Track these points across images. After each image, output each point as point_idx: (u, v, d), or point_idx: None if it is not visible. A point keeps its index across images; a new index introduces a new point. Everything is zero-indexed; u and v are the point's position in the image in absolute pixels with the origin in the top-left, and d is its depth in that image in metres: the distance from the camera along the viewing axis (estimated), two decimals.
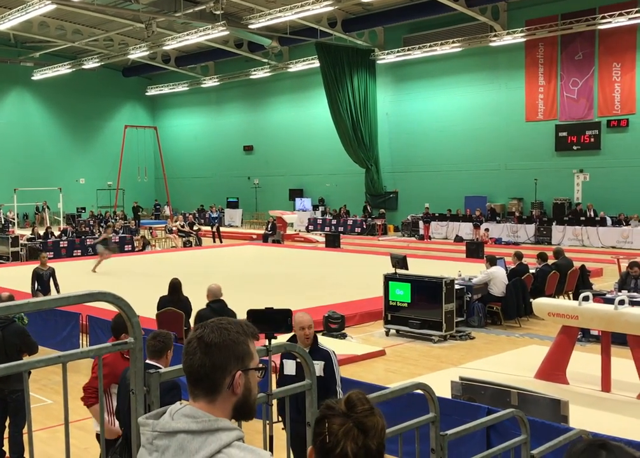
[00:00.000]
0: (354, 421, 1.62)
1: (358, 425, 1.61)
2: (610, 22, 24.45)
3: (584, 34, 25.97)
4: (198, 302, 9.73)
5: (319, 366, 4.88)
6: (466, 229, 27.24)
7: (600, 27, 25.06)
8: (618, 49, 25.41)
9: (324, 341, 10.53)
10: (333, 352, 5.27)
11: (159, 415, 1.77)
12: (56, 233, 25.26)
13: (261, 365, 1.84)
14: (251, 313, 3.13)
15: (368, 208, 32.26)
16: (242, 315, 3.22)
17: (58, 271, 14.02)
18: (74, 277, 17.20)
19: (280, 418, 4.58)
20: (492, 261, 12.35)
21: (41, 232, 24.49)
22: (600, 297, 10.36)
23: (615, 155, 25.84)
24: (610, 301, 9.21)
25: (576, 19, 25.57)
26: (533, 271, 12.98)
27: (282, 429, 3.99)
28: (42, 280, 12.90)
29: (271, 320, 3.12)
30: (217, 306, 7.42)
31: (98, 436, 4.89)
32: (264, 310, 3.16)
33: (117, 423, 4.83)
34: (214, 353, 1.72)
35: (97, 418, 5.06)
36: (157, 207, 41.09)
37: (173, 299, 8.95)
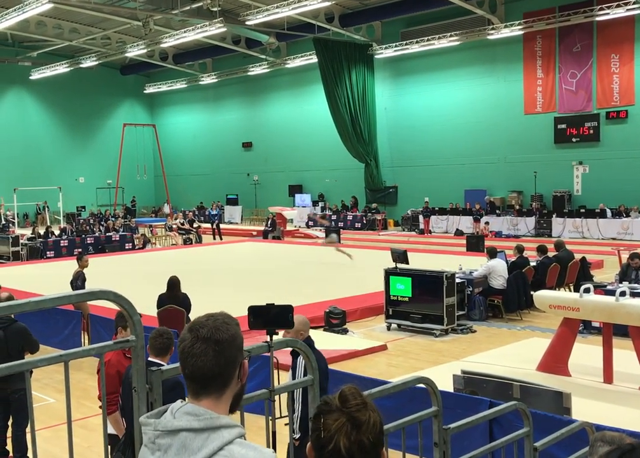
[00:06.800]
0: (347, 416, 1.60)
1: (351, 420, 1.59)
2: (608, 14, 24.38)
3: (582, 25, 25.91)
4: (198, 299, 9.75)
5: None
6: (466, 223, 27.24)
7: (598, 18, 25.00)
8: (616, 40, 25.36)
9: (326, 337, 10.57)
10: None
11: (160, 413, 1.78)
12: (57, 232, 25.25)
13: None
14: (252, 309, 3.12)
15: (350, 204, 32.50)
16: (242, 312, 3.22)
17: (60, 271, 14.02)
18: None
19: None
20: (492, 253, 12.35)
21: (41, 231, 24.49)
22: (601, 289, 10.36)
23: (614, 147, 25.81)
24: (611, 292, 9.21)
25: (573, 11, 25.51)
26: (534, 263, 12.98)
27: (285, 424, 4.00)
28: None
29: (273, 316, 3.12)
30: None
31: (111, 436, 4.90)
32: (266, 306, 3.15)
33: None
34: (225, 349, 1.75)
35: (115, 426, 5.06)
36: (133, 203, 40.74)
37: (172, 296, 8.93)
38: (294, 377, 4.90)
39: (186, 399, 1.82)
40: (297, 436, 4.71)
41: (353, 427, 1.58)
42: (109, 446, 4.70)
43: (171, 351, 4.74)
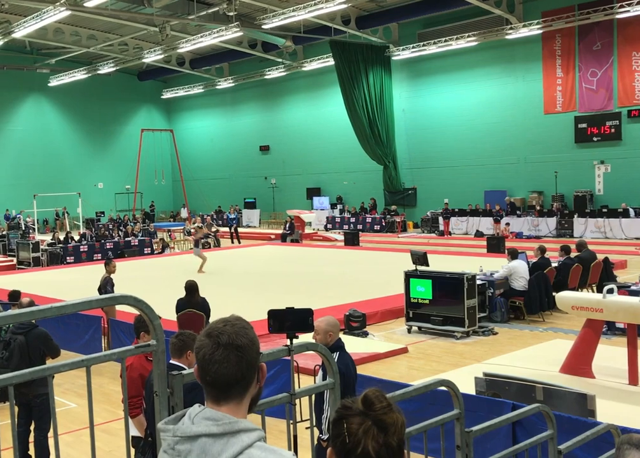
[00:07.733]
0: (373, 419, 1.58)
1: (377, 423, 1.58)
2: (628, 11, 24.08)
3: (602, 23, 25.65)
4: (217, 303, 9.76)
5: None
6: (486, 224, 27.06)
7: (618, 16, 24.71)
8: (637, 38, 25.07)
9: (346, 340, 10.53)
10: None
11: (177, 419, 1.77)
12: (76, 237, 25.43)
13: None
14: (272, 313, 3.11)
15: (369, 206, 32.48)
16: (262, 316, 3.21)
17: (80, 276, 14.11)
18: (95, 280, 17.29)
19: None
20: (513, 254, 12.25)
21: (61, 237, 24.68)
22: (624, 289, 10.23)
23: (637, 145, 25.51)
24: (635, 293, 9.09)
25: (593, 9, 25.26)
26: (555, 264, 12.85)
27: (307, 428, 3.97)
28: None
29: (293, 320, 3.10)
30: None
31: (136, 438, 4.93)
32: (285, 309, 3.14)
33: None
34: (246, 354, 1.75)
35: (140, 429, 5.07)
36: (151, 207, 40.93)
37: (191, 300, 8.93)
38: (325, 377, 4.86)
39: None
40: (325, 436, 4.64)
41: (380, 430, 1.57)
42: (134, 448, 4.74)
43: (187, 353, 4.69)
